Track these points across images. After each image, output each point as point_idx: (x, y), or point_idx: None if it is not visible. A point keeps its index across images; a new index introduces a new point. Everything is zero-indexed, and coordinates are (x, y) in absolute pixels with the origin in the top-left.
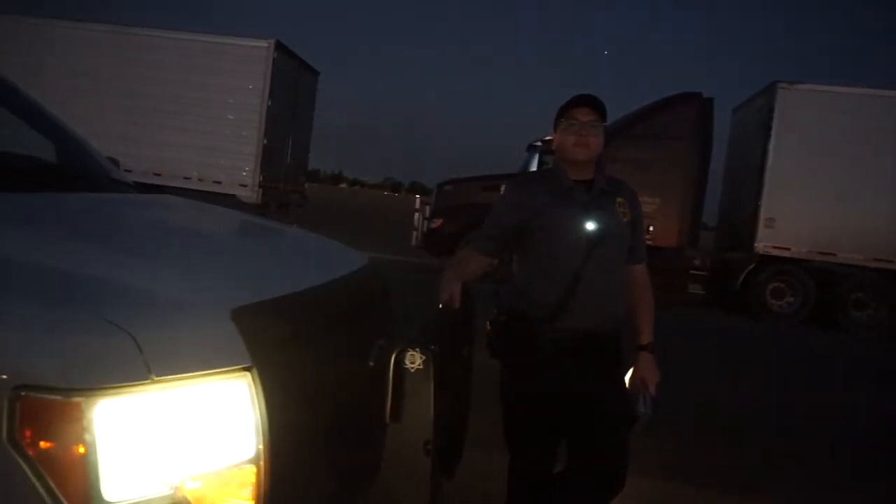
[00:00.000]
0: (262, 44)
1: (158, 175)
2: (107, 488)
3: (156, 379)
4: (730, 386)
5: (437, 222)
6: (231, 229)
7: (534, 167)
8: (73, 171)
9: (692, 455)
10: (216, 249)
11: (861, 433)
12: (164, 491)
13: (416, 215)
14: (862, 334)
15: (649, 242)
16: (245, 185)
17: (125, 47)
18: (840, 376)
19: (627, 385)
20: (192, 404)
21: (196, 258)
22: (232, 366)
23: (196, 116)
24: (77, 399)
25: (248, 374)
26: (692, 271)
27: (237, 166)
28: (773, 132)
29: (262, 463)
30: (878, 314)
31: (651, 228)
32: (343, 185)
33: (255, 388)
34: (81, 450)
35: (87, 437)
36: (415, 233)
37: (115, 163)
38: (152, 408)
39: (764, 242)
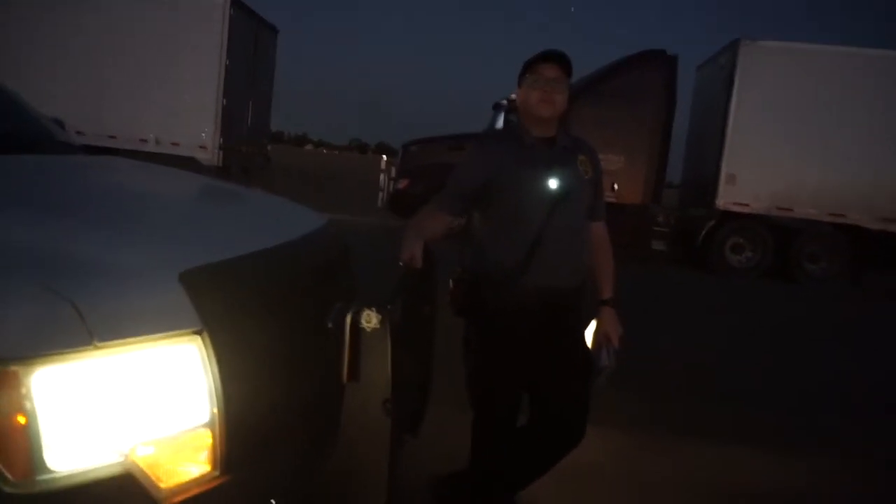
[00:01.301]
0: (218, 0)
1: (114, 138)
2: (51, 458)
3: (99, 345)
4: (685, 339)
5: (403, 183)
6: (182, 191)
7: (499, 126)
8: (12, 132)
9: (657, 406)
10: (165, 212)
11: (814, 381)
12: (114, 458)
13: (382, 176)
14: (816, 287)
15: (613, 200)
16: (205, 147)
17: (76, 4)
18: (793, 327)
19: (590, 339)
20: (140, 369)
21: (144, 221)
22: (181, 329)
23: (152, 76)
24: (14, 367)
25: (198, 337)
26: (656, 228)
27: (196, 128)
28: (735, 89)
29: (217, 427)
30: (830, 267)
31: (615, 186)
32: (308, 147)
33: (207, 351)
34: (22, 420)
35: (26, 405)
36: (381, 194)
37: (60, 124)
38: (96, 374)
39: (725, 199)
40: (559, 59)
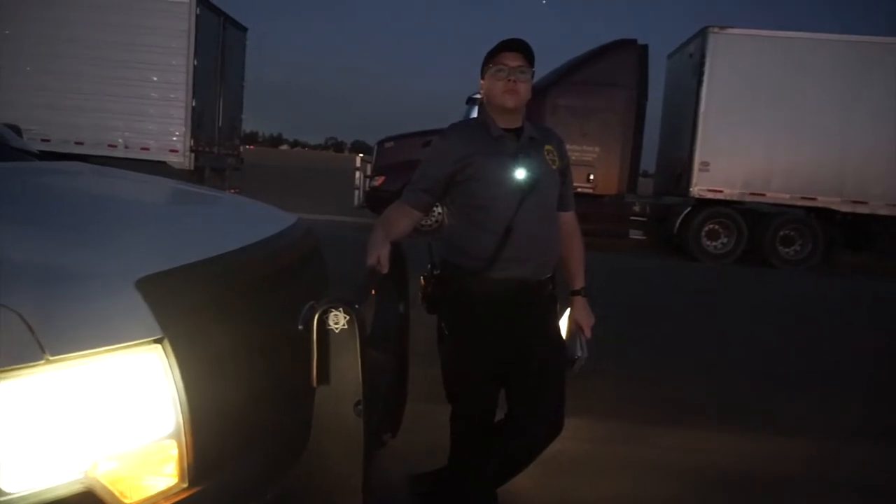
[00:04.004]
0: None
1: (81, 144)
2: (5, 479)
3: (51, 358)
4: (661, 325)
5: (379, 180)
6: (144, 195)
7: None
8: None
9: (636, 393)
10: (124, 217)
11: (790, 364)
12: (74, 476)
13: (357, 174)
14: (789, 269)
15: (590, 190)
16: (175, 151)
17: (39, 11)
18: (769, 309)
19: (563, 330)
20: (98, 382)
21: (100, 227)
22: (140, 338)
23: (118, 79)
24: None
25: (159, 346)
26: (633, 217)
27: (166, 131)
28: (705, 77)
29: (183, 437)
30: (803, 249)
31: (591, 177)
32: (284, 147)
33: (169, 359)
34: None
35: None
36: (356, 192)
37: (17, 130)
38: (51, 389)
39: (699, 186)
40: (521, 48)
